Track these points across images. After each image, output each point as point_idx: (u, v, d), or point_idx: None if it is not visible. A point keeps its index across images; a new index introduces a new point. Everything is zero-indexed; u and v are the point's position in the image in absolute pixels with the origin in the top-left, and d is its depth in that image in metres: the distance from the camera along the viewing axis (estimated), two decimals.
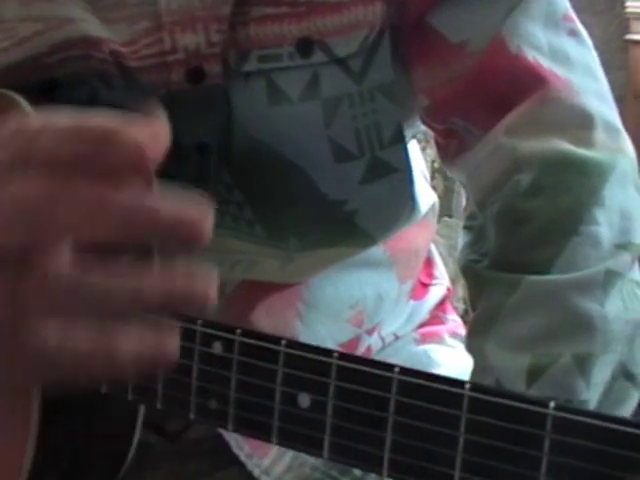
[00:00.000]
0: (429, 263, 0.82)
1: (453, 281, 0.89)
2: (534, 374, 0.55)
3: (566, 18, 0.64)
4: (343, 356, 0.42)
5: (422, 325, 0.79)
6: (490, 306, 0.59)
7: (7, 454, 0.61)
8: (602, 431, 0.36)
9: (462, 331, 0.81)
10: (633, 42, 1.76)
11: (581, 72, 0.62)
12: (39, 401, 0.58)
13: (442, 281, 0.82)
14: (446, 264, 0.85)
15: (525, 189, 0.59)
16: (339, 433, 0.42)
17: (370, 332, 0.75)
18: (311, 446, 0.43)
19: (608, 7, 1.77)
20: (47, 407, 0.58)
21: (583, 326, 0.55)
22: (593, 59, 0.64)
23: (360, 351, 0.74)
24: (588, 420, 0.36)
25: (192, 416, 0.47)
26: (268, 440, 0.44)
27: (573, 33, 0.64)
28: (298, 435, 0.43)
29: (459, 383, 0.39)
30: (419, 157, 0.79)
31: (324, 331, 0.73)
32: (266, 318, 0.70)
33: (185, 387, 0.47)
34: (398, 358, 0.76)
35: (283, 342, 0.43)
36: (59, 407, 0.59)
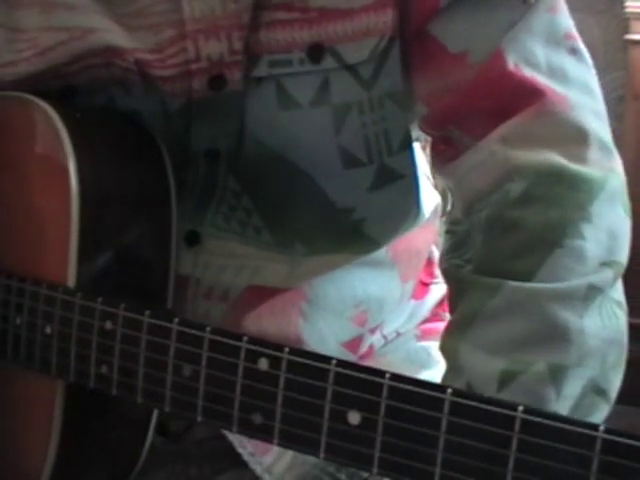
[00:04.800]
0: (430, 262, 0.82)
1: None
2: (506, 379, 0.55)
3: (568, 36, 0.65)
4: (395, 377, 0.43)
5: (423, 322, 0.80)
6: (469, 308, 0.60)
7: (28, 454, 0.61)
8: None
9: None
10: (633, 42, 1.76)
11: (579, 89, 0.63)
12: (62, 405, 0.58)
13: (442, 280, 0.83)
14: None
15: (515, 198, 0.60)
16: (389, 450, 0.44)
17: (373, 331, 0.76)
18: (360, 462, 0.44)
19: (608, 7, 1.77)
20: (68, 409, 0.59)
21: (559, 336, 0.56)
22: (592, 78, 0.65)
23: (362, 350, 0.76)
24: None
25: (235, 430, 0.48)
26: (316, 455, 0.45)
27: (573, 51, 0.64)
28: (347, 451, 0.45)
29: (512, 405, 0.41)
30: (422, 158, 0.80)
31: (327, 330, 0.73)
32: (269, 317, 0.71)
33: (227, 401, 0.48)
34: (398, 355, 0.78)
35: (333, 361, 0.45)
36: (79, 409, 0.60)
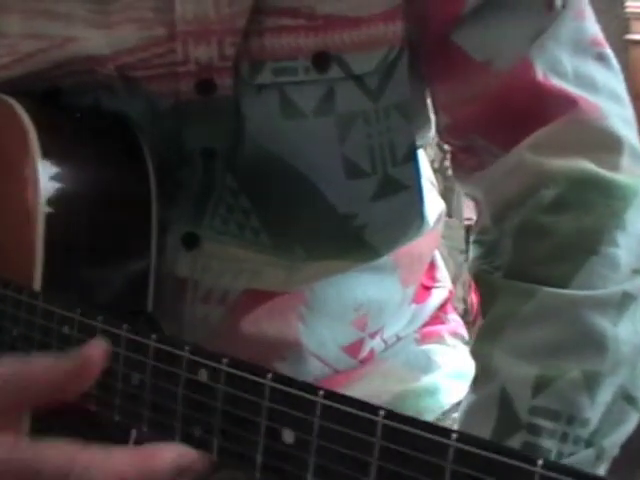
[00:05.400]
0: (431, 266, 0.81)
1: (453, 281, 0.88)
2: (541, 385, 0.54)
3: (594, 43, 0.63)
4: (328, 394, 0.40)
5: (423, 326, 0.79)
6: (502, 313, 0.58)
7: None
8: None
9: (462, 331, 0.81)
10: (633, 42, 1.73)
11: (607, 97, 0.62)
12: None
13: (444, 284, 0.82)
14: (446, 264, 0.84)
15: (548, 204, 0.59)
16: (322, 473, 0.41)
17: (373, 335, 0.74)
18: None
19: (608, 7, 1.74)
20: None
21: (595, 344, 0.55)
22: (619, 83, 0.64)
23: (363, 354, 0.74)
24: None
25: (177, 441, 0.46)
26: (252, 474, 0.43)
27: (600, 58, 0.63)
28: (282, 471, 0.42)
29: (445, 432, 0.38)
30: (426, 163, 0.78)
31: (327, 334, 0.72)
32: (269, 320, 0.70)
33: (170, 412, 0.46)
34: (398, 359, 0.76)
35: (269, 376, 0.42)
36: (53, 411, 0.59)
